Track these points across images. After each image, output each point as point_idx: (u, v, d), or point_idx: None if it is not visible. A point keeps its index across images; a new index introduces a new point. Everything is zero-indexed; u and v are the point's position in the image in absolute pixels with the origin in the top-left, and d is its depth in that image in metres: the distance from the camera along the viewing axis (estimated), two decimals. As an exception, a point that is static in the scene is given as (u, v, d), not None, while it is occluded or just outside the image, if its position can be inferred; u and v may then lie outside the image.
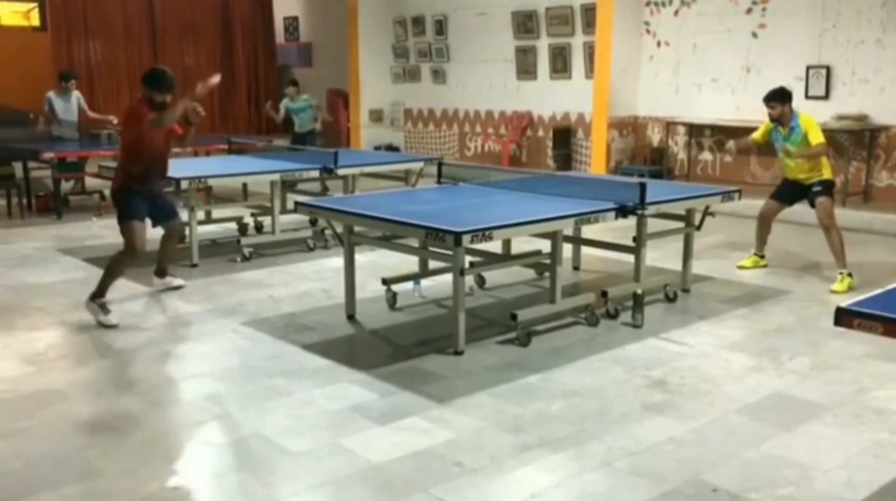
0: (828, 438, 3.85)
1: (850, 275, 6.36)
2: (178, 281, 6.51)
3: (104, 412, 4.16)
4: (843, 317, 2.94)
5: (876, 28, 9.30)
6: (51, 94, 10.42)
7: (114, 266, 5.69)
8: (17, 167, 9.89)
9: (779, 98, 6.59)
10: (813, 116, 6.83)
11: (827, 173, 6.69)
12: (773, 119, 6.65)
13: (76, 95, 10.63)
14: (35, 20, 16.72)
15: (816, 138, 6.50)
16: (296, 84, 12.09)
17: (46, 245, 8.09)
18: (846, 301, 3.03)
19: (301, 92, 12.12)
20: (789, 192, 6.87)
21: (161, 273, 6.46)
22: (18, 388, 4.45)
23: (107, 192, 10.26)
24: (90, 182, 10.65)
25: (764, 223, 7.03)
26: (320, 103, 12.52)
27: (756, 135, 6.92)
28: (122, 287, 6.48)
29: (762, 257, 7.10)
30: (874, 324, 2.87)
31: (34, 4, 16.55)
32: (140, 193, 5.76)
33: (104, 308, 5.54)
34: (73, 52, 15.77)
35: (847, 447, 3.75)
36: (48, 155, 9.32)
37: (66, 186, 10.36)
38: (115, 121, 10.83)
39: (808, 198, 6.72)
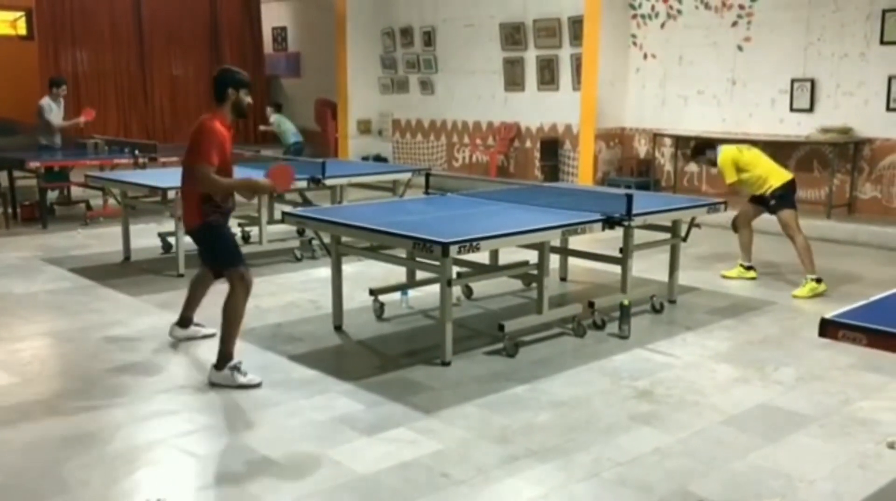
0: (813, 449, 3.87)
1: (816, 281, 6.51)
2: (209, 330, 5.34)
3: (88, 423, 4.12)
4: (828, 328, 2.96)
5: (860, 42, 9.39)
6: (48, 101, 10.34)
7: (234, 317, 4.65)
8: (3, 176, 9.85)
9: (699, 154, 7.13)
10: (729, 153, 6.88)
11: (774, 181, 6.80)
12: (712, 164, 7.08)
13: (62, 102, 10.59)
14: (22, 29, 16.67)
15: (727, 179, 6.88)
16: (275, 106, 12.68)
17: (32, 255, 8.04)
18: (830, 312, 3.05)
19: (278, 111, 12.69)
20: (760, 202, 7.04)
21: (187, 322, 5.39)
22: (2, 399, 4.41)
23: (93, 202, 10.28)
24: (76, 192, 10.60)
25: (742, 222, 7.05)
26: (297, 125, 13.09)
27: (732, 179, 6.93)
28: (106, 297, 6.46)
29: (748, 268, 7.12)
30: (858, 335, 2.89)
31: (21, 13, 16.50)
32: (226, 224, 4.88)
33: (239, 369, 4.59)
34: (60, 60, 15.72)
35: (832, 457, 3.77)
36: (34, 164, 9.28)
37: (51, 195, 10.31)
38: (83, 120, 10.75)
39: (769, 210, 6.91)
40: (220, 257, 4.76)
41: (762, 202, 6.93)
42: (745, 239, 7.10)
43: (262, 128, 14.11)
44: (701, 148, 7.24)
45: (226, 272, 4.73)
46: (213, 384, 4.55)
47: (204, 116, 4.74)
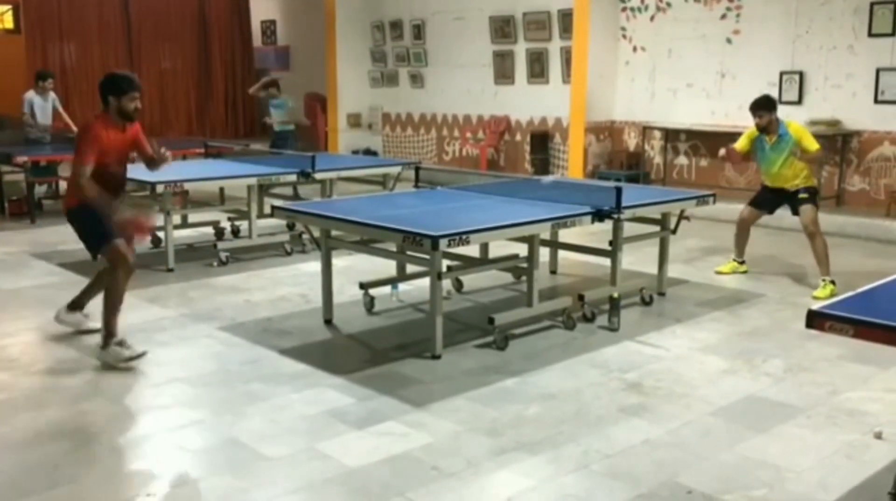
0: (801, 439, 3.89)
1: (832, 282, 6.37)
2: (94, 324, 5.20)
3: (79, 418, 4.12)
4: (815, 320, 2.97)
5: (848, 34, 9.42)
6: (31, 94, 10.31)
7: (113, 295, 4.78)
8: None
9: (766, 107, 6.59)
10: (801, 124, 6.84)
11: (812, 181, 6.74)
12: (759, 128, 6.64)
13: (52, 95, 10.55)
14: (9, 23, 16.57)
15: (813, 145, 6.53)
16: (276, 86, 11.96)
17: (20, 250, 8.00)
18: (817, 304, 3.06)
19: (280, 94, 12.02)
20: (770, 199, 6.90)
21: (77, 306, 5.36)
22: (-9, 394, 4.40)
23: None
24: (64, 186, 10.53)
25: (743, 229, 7.03)
26: (296, 107, 12.48)
27: (739, 145, 6.85)
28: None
29: (741, 262, 7.11)
30: (845, 326, 2.90)
31: (8, 7, 16.39)
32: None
33: (123, 344, 4.77)
34: (47, 54, 15.63)
35: (820, 448, 3.80)
36: (22, 159, 9.22)
37: (39, 190, 10.26)
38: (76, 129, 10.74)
39: (791, 205, 6.74)
40: (94, 235, 4.81)
41: (780, 198, 6.81)
42: (742, 240, 7.07)
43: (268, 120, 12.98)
44: (769, 103, 6.68)
45: (102, 250, 4.80)
46: (100, 359, 4.74)
47: (94, 114, 4.98)
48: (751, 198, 7.12)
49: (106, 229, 4.75)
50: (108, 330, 4.75)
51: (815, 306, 3.04)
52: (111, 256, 4.78)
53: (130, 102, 4.84)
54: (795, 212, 6.70)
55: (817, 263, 6.54)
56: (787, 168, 6.66)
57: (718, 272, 7.09)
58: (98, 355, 4.78)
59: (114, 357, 4.72)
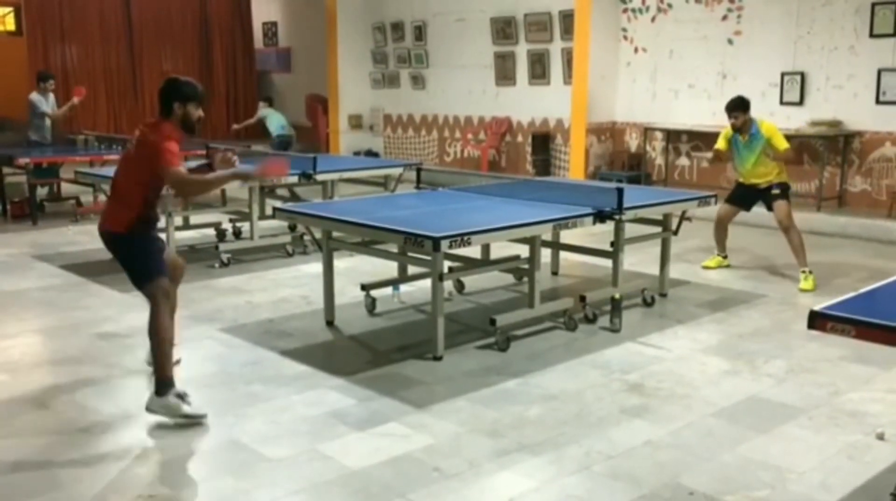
0: (803, 440, 3.89)
1: (811, 272, 6.60)
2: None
3: (80, 419, 4.11)
4: (817, 320, 2.97)
5: (849, 35, 9.42)
6: (36, 96, 10.32)
7: (161, 337, 4.12)
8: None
9: (741, 108, 6.80)
10: (773, 123, 7.00)
11: (784, 176, 6.93)
12: (735, 128, 6.84)
13: (52, 97, 10.56)
14: (10, 25, 16.58)
15: (782, 144, 6.72)
16: (265, 100, 12.94)
17: (22, 252, 8.00)
18: (819, 305, 3.06)
19: (269, 105, 12.95)
20: (745, 196, 7.10)
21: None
22: (-8, 396, 4.40)
23: (83, 198, 10.24)
24: (66, 188, 10.55)
25: (721, 227, 7.24)
26: (280, 114, 13.53)
27: (719, 145, 7.05)
28: (96, 293, 6.43)
29: (725, 257, 7.32)
30: (847, 327, 2.91)
31: (9, 9, 16.41)
32: (151, 234, 4.33)
33: (183, 398, 4.08)
34: (49, 56, 15.65)
35: (821, 449, 3.79)
36: (23, 160, 9.22)
37: (41, 191, 10.26)
38: (76, 100, 10.64)
39: (765, 201, 6.96)
40: (139, 269, 4.19)
41: (754, 195, 7.00)
42: (722, 236, 7.28)
43: (235, 126, 14.36)
44: (744, 103, 6.80)
45: (145, 288, 4.16)
46: (149, 410, 4.02)
47: (151, 121, 4.36)
48: (727, 196, 7.30)
49: (155, 263, 4.21)
50: (163, 376, 4.07)
51: (817, 306, 3.04)
52: (157, 295, 4.15)
53: (197, 109, 4.29)
54: (770, 207, 6.91)
55: (794, 255, 6.74)
56: (760, 165, 6.85)
57: (705, 267, 7.26)
58: (150, 403, 4.04)
59: (170, 410, 4.02)
